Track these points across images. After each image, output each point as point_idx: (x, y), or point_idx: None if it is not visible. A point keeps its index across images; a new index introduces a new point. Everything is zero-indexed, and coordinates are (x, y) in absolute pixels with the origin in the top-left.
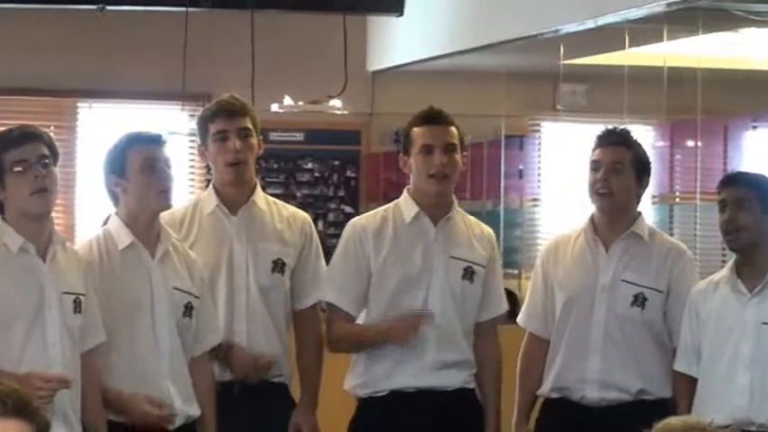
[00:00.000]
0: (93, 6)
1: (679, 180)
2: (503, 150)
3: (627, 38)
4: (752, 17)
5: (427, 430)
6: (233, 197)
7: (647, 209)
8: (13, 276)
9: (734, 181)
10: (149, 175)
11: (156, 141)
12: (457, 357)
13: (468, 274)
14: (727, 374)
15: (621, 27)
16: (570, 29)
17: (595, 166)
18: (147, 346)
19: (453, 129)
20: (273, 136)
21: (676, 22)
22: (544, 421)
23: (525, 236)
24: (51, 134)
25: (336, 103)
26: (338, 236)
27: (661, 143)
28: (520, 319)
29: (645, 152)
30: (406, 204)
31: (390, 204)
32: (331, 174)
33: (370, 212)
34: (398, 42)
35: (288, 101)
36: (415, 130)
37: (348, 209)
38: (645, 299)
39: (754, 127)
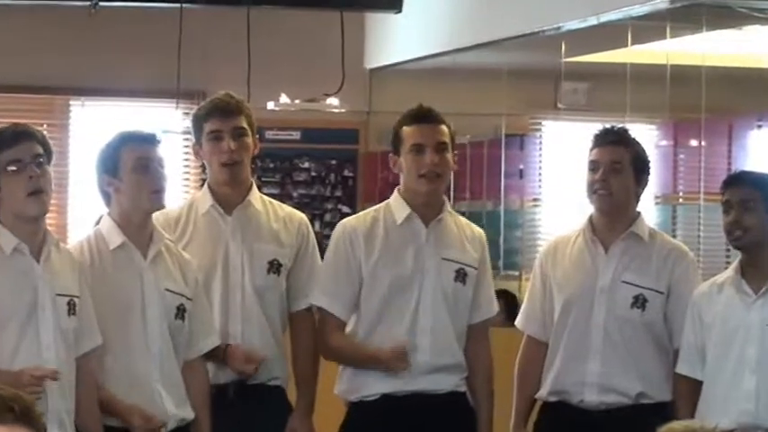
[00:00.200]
0: (86, 2)
1: (682, 180)
2: (503, 150)
3: (629, 35)
4: (756, 14)
5: None
6: (228, 197)
7: (650, 209)
8: (7, 277)
9: (738, 181)
10: (142, 175)
11: (149, 141)
12: (449, 361)
13: (461, 275)
14: (732, 378)
15: (624, 24)
16: (572, 26)
17: (594, 166)
18: (137, 349)
19: (444, 127)
20: (269, 135)
21: (680, 20)
22: (542, 425)
23: (526, 237)
24: (45, 133)
25: (333, 101)
26: None
27: (664, 142)
28: (518, 321)
29: (644, 151)
30: (396, 205)
31: (381, 205)
32: (328, 173)
33: (360, 213)
34: (397, 40)
35: (284, 99)
36: (405, 129)
37: (345, 209)
38: (645, 300)
39: (759, 126)
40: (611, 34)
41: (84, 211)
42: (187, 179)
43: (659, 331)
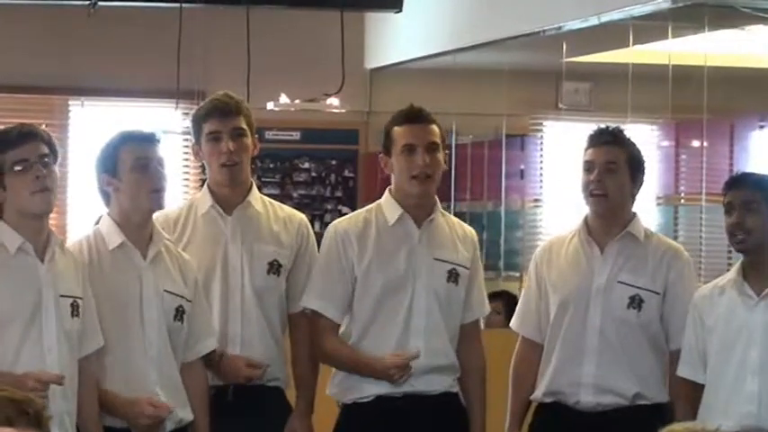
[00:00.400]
0: (85, 2)
1: (684, 181)
2: (504, 150)
3: (631, 35)
4: (759, 14)
5: None
6: (228, 197)
7: (652, 210)
8: (10, 277)
9: (740, 183)
10: (142, 175)
11: (149, 140)
12: (442, 362)
13: (453, 276)
14: (734, 380)
15: (625, 24)
16: (573, 26)
17: (588, 166)
18: (136, 350)
19: (435, 127)
20: (269, 135)
21: (682, 19)
22: (537, 426)
23: (527, 237)
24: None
25: (334, 101)
26: None
27: (666, 143)
28: (513, 323)
29: (639, 150)
30: (388, 206)
31: (372, 205)
32: (328, 173)
33: (352, 214)
34: (397, 39)
35: (284, 99)
36: (396, 129)
37: (345, 209)
38: (641, 300)
39: (761, 126)
40: (613, 34)
41: (83, 212)
42: (187, 179)
43: (655, 332)
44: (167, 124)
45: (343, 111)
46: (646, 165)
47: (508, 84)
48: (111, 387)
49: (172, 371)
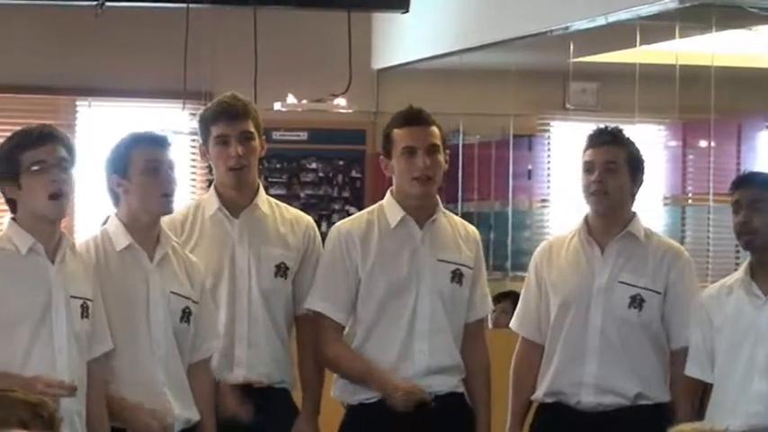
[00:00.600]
0: (93, 3)
1: (691, 181)
2: (511, 150)
3: (638, 35)
4: (766, 14)
5: None
6: (235, 200)
7: (659, 210)
8: (21, 278)
9: (747, 182)
10: (152, 178)
11: (160, 143)
12: (447, 362)
13: (457, 276)
14: (742, 380)
15: (633, 24)
16: (580, 26)
17: (588, 167)
18: (143, 351)
19: (435, 128)
20: (276, 135)
21: (689, 19)
22: (538, 426)
23: (534, 238)
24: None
25: (341, 101)
26: None
27: (673, 143)
28: (513, 323)
29: (638, 150)
30: (390, 207)
31: (374, 207)
32: (335, 174)
33: (354, 216)
34: (404, 40)
35: (291, 99)
36: (396, 131)
37: (353, 210)
38: (642, 300)
39: None
40: (620, 34)
41: (90, 212)
42: (194, 179)
43: (656, 332)
44: (174, 124)
45: (351, 111)
46: (645, 164)
47: (515, 84)
48: (120, 388)
49: (179, 372)
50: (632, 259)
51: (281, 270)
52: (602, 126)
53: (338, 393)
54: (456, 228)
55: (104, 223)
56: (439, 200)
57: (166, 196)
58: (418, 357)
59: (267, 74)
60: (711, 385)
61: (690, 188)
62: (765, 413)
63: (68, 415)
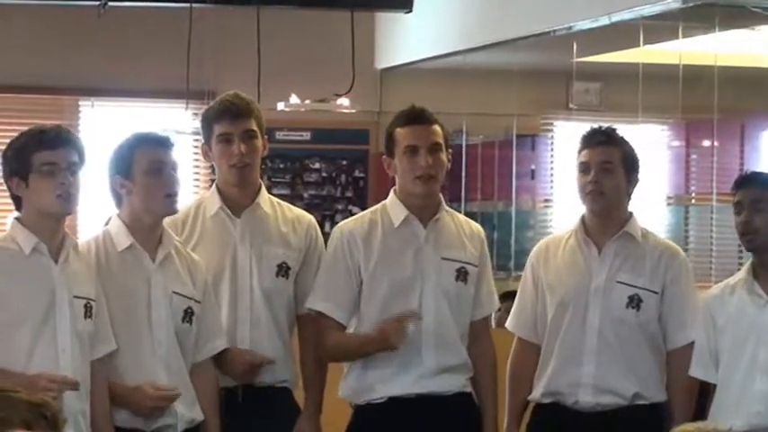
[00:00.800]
0: (96, 2)
1: (695, 181)
2: (514, 150)
3: (641, 35)
4: None
5: None
6: (237, 199)
7: (663, 210)
8: (25, 277)
9: (749, 182)
10: (155, 179)
11: (164, 144)
12: (455, 361)
13: (462, 274)
14: (744, 380)
15: (636, 24)
16: (583, 26)
17: (584, 167)
18: (145, 351)
19: (437, 127)
20: (280, 135)
21: (692, 19)
22: (535, 427)
23: (537, 238)
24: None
25: (344, 101)
26: None
27: (676, 143)
28: (509, 323)
29: (632, 149)
30: (393, 207)
31: (377, 206)
32: (339, 174)
33: (357, 216)
34: (407, 39)
35: (294, 99)
36: (399, 130)
37: (356, 209)
38: (640, 300)
39: None
40: (623, 34)
41: (93, 212)
42: (197, 179)
43: (653, 332)
44: (177, 124)
45: (354, 111)
46: (640, 163)
47: (518, 84)
48: None
49: (181, 372)
50: (630, 259)
51: (283, 270)
52: (596, 126)
53: (346, 394)
54: (460, 226)
55: (106, 224)
56: (442, 198)
57: (169, 197)
58: (425, 357)
59: (270, 74)
60: (709, 385)
61: (693, 188)
62: (767, 413)
63: (72, 415)
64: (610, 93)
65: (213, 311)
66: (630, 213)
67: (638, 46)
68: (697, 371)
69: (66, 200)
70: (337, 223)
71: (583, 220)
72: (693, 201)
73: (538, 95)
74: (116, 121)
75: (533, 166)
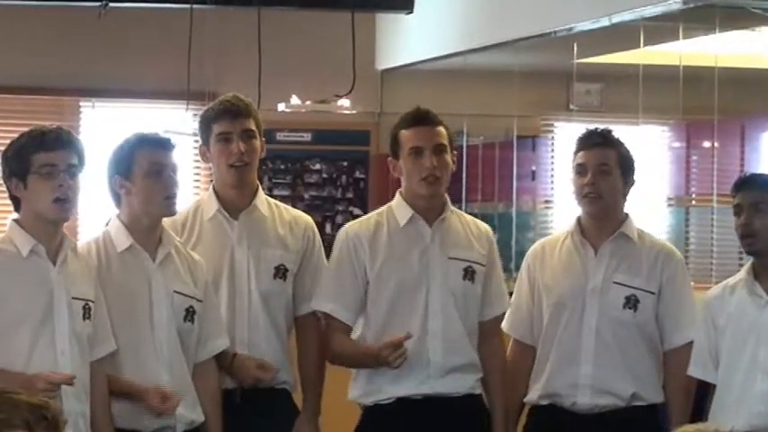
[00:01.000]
0: (96, 3)
1: (695, 182)
2: (515, 151)
3: (642, 36)
4: None
5: None
6: (234, 200)
7: (663, 211)
8: (23, 280)
9: (749, 183)
10: (155, 181)
11: (164, 146)
12: (463, 361)
13: (469, 274)
14: (744, 380)
15: (636, 25)
16: (584, 27)
17: (581, 169)
18: (147, 352)
19: (442, 129)
20: (280, 136)
21: (692, 20)
22: (532, 428)
23: (538, 239)
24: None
25: (345, 102)
26: None
27: (677, 144)
28: (504, 325)
29: (628, 150)
30: (399, 208)
31: (383, 208)
32: (339, 175)
33: (363, 218)
34: (408, 40)
35: (295, 100)
36: (403, 132)
37: (357, 211)
38: (637, 300)
39: None
40: (624, 35)
41: (94, 213)
42: (197, 180)
43: (650, 332)
44: (178, 125)
45: (354, 112)
46: (636, 164)
47: (519, 85)
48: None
49: (183, 372)
50: (626, 260)
51: (281, 272)
52: (591, 128)
53: (355, 395)
54: (467, 226)
55: (106, 224)
56: (448, 199)
57: (169, 199)
58: (432, 357)
59: (271, 75)
60: (709, 386)
61: (693, 189)
62: (767, 414)
63: (73, 416)
64: (610, 94)
65: (215, 311)
66: (626, 214)
67: (639, 47)
68: (695, 370)
69: (63, 205)
70: (338, 224)
71: (579, 221)
72: (694, 202)
73: (538, 96)
74: (117, 121)
75: (534, 167)
